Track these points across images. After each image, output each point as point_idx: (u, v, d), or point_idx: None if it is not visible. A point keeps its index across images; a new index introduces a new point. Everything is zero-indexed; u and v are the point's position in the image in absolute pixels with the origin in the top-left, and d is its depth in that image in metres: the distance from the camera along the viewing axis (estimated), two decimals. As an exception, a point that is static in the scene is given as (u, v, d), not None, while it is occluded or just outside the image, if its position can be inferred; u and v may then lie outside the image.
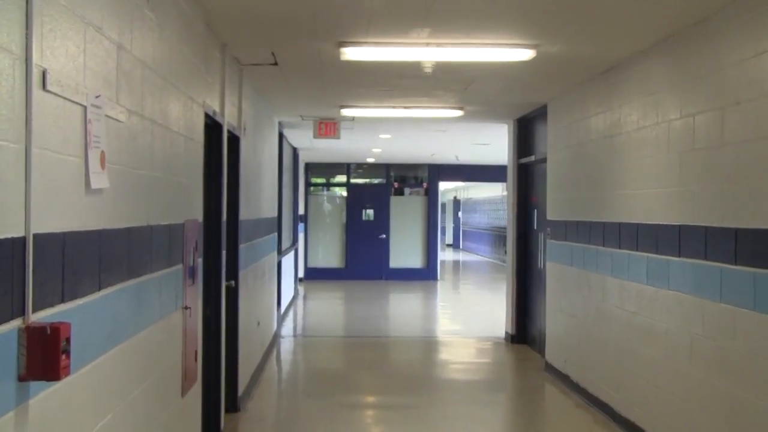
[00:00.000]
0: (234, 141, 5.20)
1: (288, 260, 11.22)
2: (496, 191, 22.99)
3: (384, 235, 15.10)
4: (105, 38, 2.27)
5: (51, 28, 1.87)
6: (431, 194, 15.63)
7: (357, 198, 15.33)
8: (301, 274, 14.48)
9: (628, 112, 4.94)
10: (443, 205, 29.30)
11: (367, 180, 16.72)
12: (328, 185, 16.51)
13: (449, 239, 30.80)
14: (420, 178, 16.17)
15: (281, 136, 9.61)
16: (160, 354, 3.00)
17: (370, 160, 15.19)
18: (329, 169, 16.28)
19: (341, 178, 16.24)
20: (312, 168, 16.05)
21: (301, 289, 13.33)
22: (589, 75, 5.53)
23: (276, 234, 8.65)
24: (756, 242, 3.20)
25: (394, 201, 15.43)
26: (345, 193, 15.75)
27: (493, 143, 10.81)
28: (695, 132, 3.92)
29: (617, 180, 5.07)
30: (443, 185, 21.10)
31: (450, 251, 28.22)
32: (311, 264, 15.09)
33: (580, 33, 4.25)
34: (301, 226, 14.09)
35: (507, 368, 6.97)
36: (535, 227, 7.68)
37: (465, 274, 18.78)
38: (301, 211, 14.52)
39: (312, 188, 16.02)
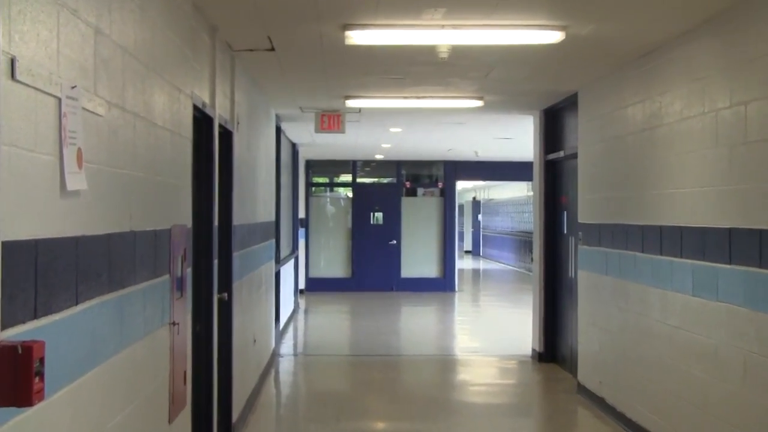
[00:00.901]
0: (226, 136, 5.15)
1: (287, 270, 11.15)
2: (520, 191, 22.64)
3: (395, 241, 14.99)
4: (81, 21, 2.24)
5: (20, 10, 1.83)
6: (447, 195, 15.43)
7: (364, 199, 15.17)
8: (302, 285, 14.34)
9: (670, 100, 4.89)
10: (461, 207, 28.95)
11: (376, 179, 16.47)
12: (332, 185, 16.25)
13: (468, 245, 30.46)
14: (435, 176, 15.89)
15: (279, 130, 9.59)
16: (145, 375, 2.97)
17: (379, 157, 14.98)
18: (333, 167, 15.96)
19: (346, 178, 15.95)
20: (313, 166, 15.86)
21: (302, 301, 13.16)
22: (624, 59, 5.47)
23: (273, 240, 8.59)
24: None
25: (406, 203, 15.29)
26: (350, 194, 15.61)
27: (517, 137, 10.76)
28: (747, 122, 3.88)
29: (658, 178, 5.02)
30: (461, 185, 20.67)
31: (469, 259, 27.74)
32: (313, 274, 15.03)
33: (614, 12, 4.18)
34: (301, 231, 13.89)
35: (534, 390, 6.90)
36: (565, 231, 7.62)
37: (486, 285, 18.49)
38: (301, 214, 14.39)
39: (313, 189, 15.86)
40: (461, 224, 29.09)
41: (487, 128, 10.02)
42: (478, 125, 9.73)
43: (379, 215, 15.23)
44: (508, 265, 23.59)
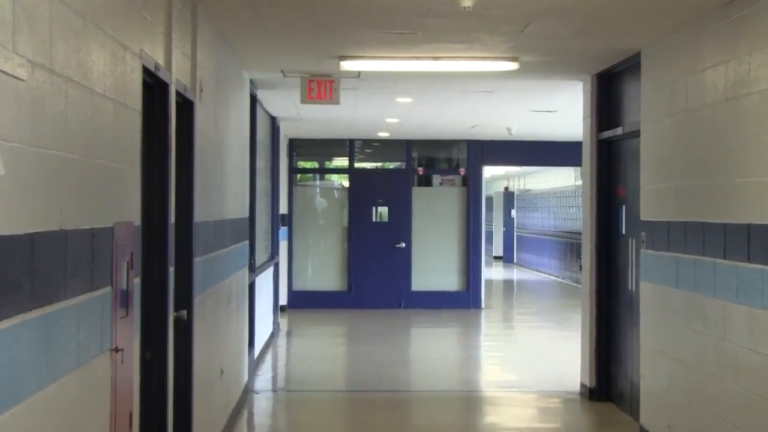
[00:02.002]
0: (186, 107, 5.14)
1: (265, 280, 11.07)
2: (566, 179, 22.52)
3: (403, 244, 15.01)
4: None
5: None
6: (472, 184, 15.44)
7: (364, 190, 15.13)
8: (283, 300, 14.23)
9: (762, 61, 4.83)
10: (489, 201, 28.53)
11: (379, 164, 16.29)
12: (322, 171, 16.16)
13: (498, 249, 30.34)
14: (455, 160, 15.98)
15: (254, 100, 9.54)
16: (78, 418, 2.93)
17: (383, 135, 14.90)
18: (324, 148, 15.92)
19: (341, 162, 15.85)
20: (299, 147, 15.75)
21: (283, 322, 12.97)
22: (703, 8, 5.44)
23: (247, 243, 8.58)
24: None
25: (419, 194, 15.30)
26: (347, 184, 15.56)
27: (562, 110, 10.81)
28: None
29: (745, 162, 4.95)
30: (489, 171, 20.48)
31: (499, 266, 27.50)
32: (298, 286, 14.93)
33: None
34: (283, 230, 13.77)
35: (584, 437, 8.66)
36: (624, 232, 7.56)
37: (521, 300, 18.35)
38: (283, 209, 14.20)
39: (299, 176, 15.81)
40: (489, 222, 28.78)
41: (523, 98, 10.05)
42: (512, 94, 9.74)
43: (384, 210, 15.30)
44: (549, 274, 23.44)
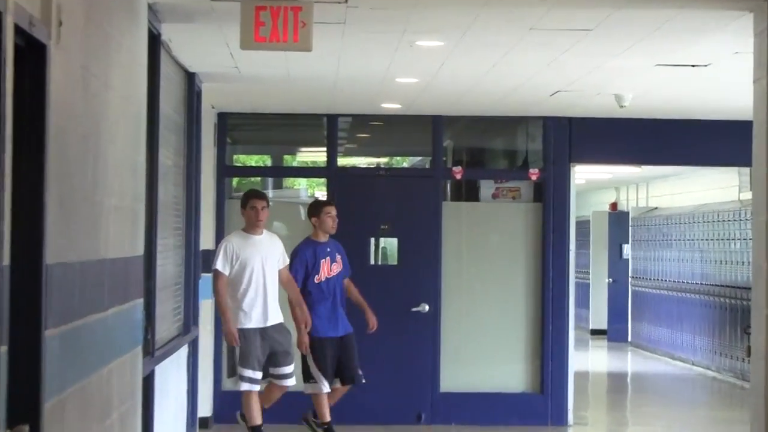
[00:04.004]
0: (33, 55, 5.11)
1: (173, 370, 10.53)
2: (722, 190, 21.87)
3: (426, 307, 13.95)
4: None
5: None
6: (552, 197, 14.48)
7: (355, 207, 14.11)
8: (206, 407, 13.32)
9: None
10: (583, 227, 26.11)
11: (384, 160, 16.11)
12: (279, 173, 16.14)
13: (599, 318, 28.29)
14: (521, 154, 15.08)
15: (156, 42, 9.02)
16: None
17: (391, 107, 13.93)
18: (282, 130, 15.56)
19: (313, 156, 15.79)
20: (236, 128, 14.69)
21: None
22: None
23: (140, 303, 8.08)
24: None
25: (454, 214, 14.52)
26: (323, 195, 14.91)
27: (716, 64, 10.95)
28: None
29: None
30: (583, 173, 19.19)
31: (601, 347, 26.38)
32: (233, 383, 12.79)
33: None
34: (206, 280, 12.87)
35: None
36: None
37: (641, 411, 17.61)
38: (206, 241, 13.23)
39: (236, 182, 15.14)
40: (583, 267, 26.58)
41: (647, 42, 9.87)
42: (626, 35, 9.52)
43: (391, 245, 14.37)
44: (693, 363, 22.18)
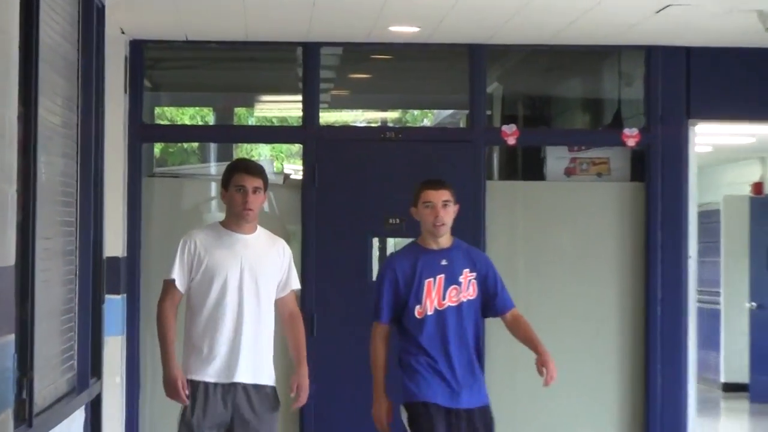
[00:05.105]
0: None
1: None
2: None
3: None
4: None
5: None
6: (658, 174, 14.20)
7: (346, 189, 14.08)
8: None
9: None
10: (706, 221, 25.90)
11: (390, 115, 15.18)
12: (227, 137, 14.86)
13: (735, 366, 27.97)
14: (608, 106, 13.90)
15: None
16: None
17: (403, 30, 13.69)
18: (233, 67, 14.44)
19: (284, 109, 15.14)
20: (160, 65, 14.39)
21: None
22: None
23: (11, 339, 8.58)
24: None
25: (502, 202, 14.31)
26: (297, 170, 14.48)
27: None
28: None
29: None
30: (709, 135, 19.33)
31: (740, 410, 26.05)
32: None
33: None
34: (115, 302, 13.46)
35: None
36: None
37: None
38: (114, 246, 13.33)
39: (159, 149, 14.98)
40: (710, 283, 27.04)
41: None
42: None
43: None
44: None
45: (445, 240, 10.16)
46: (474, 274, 10.09)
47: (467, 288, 10.20)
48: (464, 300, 10.38)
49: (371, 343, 10.15)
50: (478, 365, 10.20)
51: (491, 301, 10.25)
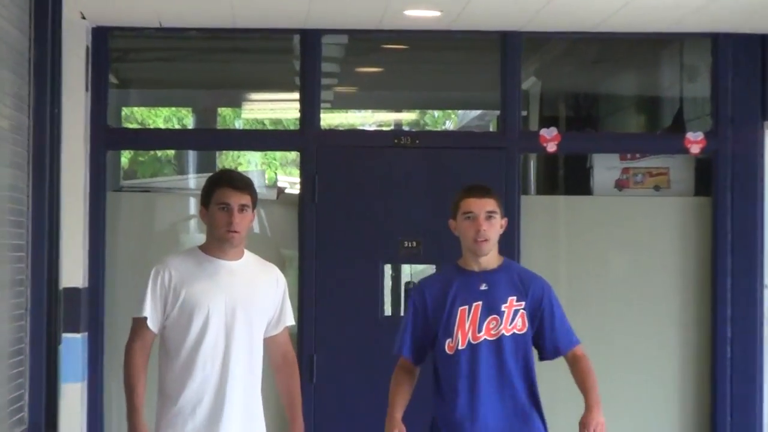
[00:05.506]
0: None
1: None
2: None
3: None
4: None
5: None
6: (728, 187, 14.07)
7: (352, 205, 14.13)
8: None
9: None
10: None
11: (405, 117, 14.84)
12: (208, 144, 15.37)
13: None
14: (666, 106, 13.32)
15: None
16: None
17: (422, 15, 13.55)
18: (215, 60, 14.00)
19: (278, 110, 15.09)
20: (128, 57, 14.06)
21: None
22: None
23: None
24: None
25: (542, 219, 14.28)
26: (293, 183, 14.34)
27: None
28: None
29: None
30: None
31: None
32: None
33: None
34: (73, 343, 13.76)
35: None
36: None
37: None
38: (73, 277, 13.41)
39: (126, 158, 14.89)
40: None
41: None
42: None
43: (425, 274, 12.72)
44: None
45: (489, 260, 9.20)
46: (522, 303, 9.30)
47: (512, 320, 9.47)
48: (507, 334, 9.65)
49: (392, 377, 9.43)
50: (536, 414, 9.47)
51: (545, 338, 9.51)
